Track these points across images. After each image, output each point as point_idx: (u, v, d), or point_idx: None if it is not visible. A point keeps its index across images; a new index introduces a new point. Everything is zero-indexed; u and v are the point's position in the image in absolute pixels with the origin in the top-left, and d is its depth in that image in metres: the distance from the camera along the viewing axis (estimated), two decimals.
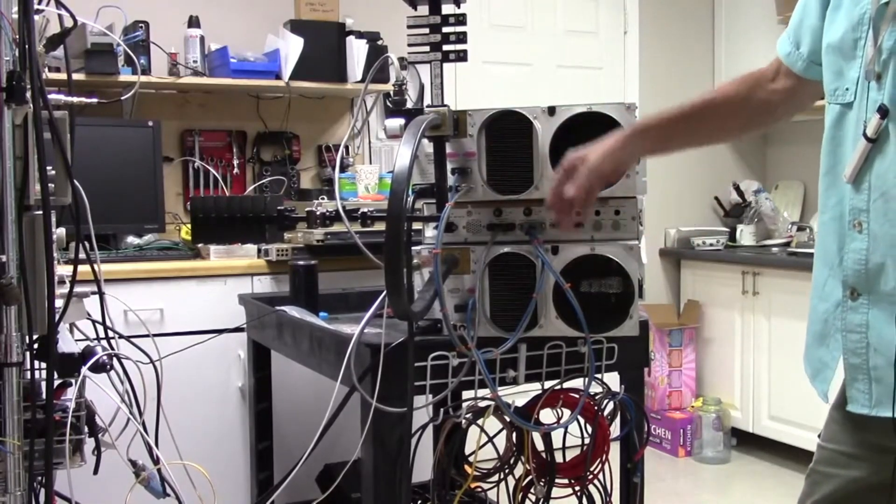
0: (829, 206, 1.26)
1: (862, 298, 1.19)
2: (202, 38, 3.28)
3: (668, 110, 1.46)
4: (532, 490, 1.83)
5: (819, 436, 1.38)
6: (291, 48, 3.27)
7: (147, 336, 1.88)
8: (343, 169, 3.47)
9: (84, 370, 1.54)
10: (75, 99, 1.67)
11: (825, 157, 1.28)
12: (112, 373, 1.65)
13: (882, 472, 1.25)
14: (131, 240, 3.10)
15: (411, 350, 1.57)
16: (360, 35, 3.40)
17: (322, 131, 3.70)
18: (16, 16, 1.39)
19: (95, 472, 1.59)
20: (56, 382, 1.54)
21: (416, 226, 1.82)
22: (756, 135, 1.44)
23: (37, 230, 1.42)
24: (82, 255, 1.62)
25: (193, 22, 3.27)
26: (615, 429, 1.84)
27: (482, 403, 1.73)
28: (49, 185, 1.42)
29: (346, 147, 3.67)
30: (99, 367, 1.57)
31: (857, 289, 1.20)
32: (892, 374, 1.16)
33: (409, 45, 1.71)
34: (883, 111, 1.13)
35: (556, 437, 1.82)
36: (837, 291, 1.23)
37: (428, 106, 1.67)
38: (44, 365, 1.52)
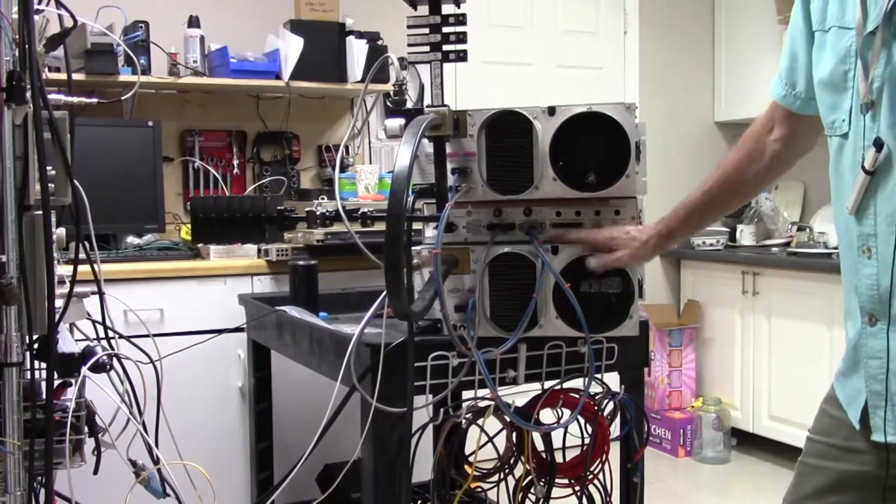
0: (840, 234, 1.27)
1: (880, 324, 1.19)
2: (202, 38, 3.28)
3: (686, 204, 1.56)
4: (532, 490, 1.83)
5: (809, 430, 1.38)
6: (291, 48, 3.27)
7: (147, 336, 1.88)
8: (343, 169, 3.47)
9: (84, 370, 1.54)
10: (75, 99, 1.67)
11: (832, 187, 1.29)
12: (112, 373, 1.65)
13: (877, 466, 1.25)
14: (131, 240, 3.10)
15: (411, 350, 1.57)
16: (360, 35, 3.40)
17: (322, 131, 3.70)
18: (16, 16, 1.39)
19: (95, 472, 1.59)
20: (56, 382, 1.54)
21: (416, 226, 1.82)
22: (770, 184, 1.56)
23: (37, 230, 1.42)
24: (82, 255, 1.62)
25: (193, 22, 3.27)
26: (615, 429, 1.84)
27: (482, 403, 1.73)
28: (49, 185, 1.42)
29: (346, 147, 3.67)
30: (99, 367, 1.57)
31: (874, 314, 1.19)
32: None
33: (409, 45, 1.70)
34: (878, 144, 1.13)
35: (556, 437, 1.82)
36: (858, 318, 1.23)
37: (428, 106, 1.67)
38: (44, 365, 1.52)
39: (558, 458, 1.86)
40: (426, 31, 1.69)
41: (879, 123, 1.14)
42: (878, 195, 1.15)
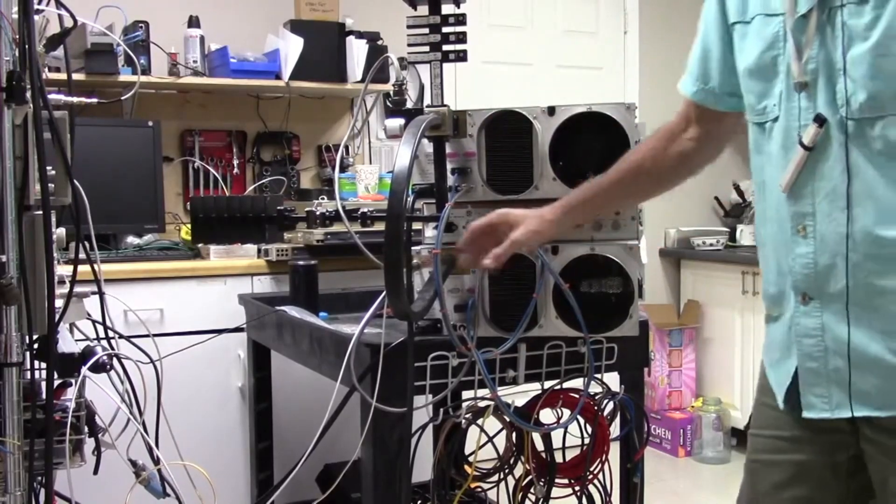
0: (767, 216, 1.27)
1: (814, 302, 1.19)
2: (202, 38, 3.27)
3: (596, 182, 1.51)
4: (532, 490, 1.83)
5: (747, 427, 1.38)
6: (291, 48, 3.27)
7: (147, 336, 1.88)
8: (343, 169, 3.47)
9: (84, 370, 1.54)
10: (75, 99, 1.67)
11: (755, 173, 1.30)
12: (112, 373, 1.65)
13: (830, 452, 1.25)
14: (131, 240, 3.10)
15: (411, 350, 1.57)
16: (360, 35, 3.40)
17: (322, 131, 3.70)
18: (16, 16, 1.39)
19: (95, 472, 1.59)
20: (56, 382, 1.54)
21: (416, 226, 1.82)
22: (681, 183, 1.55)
23: (37, 230, 1.42)
24: (82, 255, 1.62)
25: (193, 22, 3.27)
26: (615, 429, 1.84)
27: (482, 403, 1.73)
28: (49, 185, 1.42)
29: (346, 147, 3.67)
30: (99, 367, 1.57)
31: (808, 293, 1.20)
32: (851, 374, 1.16)
33: (409, 45, 1.70)
34: (820, 120, 1.14)
35: (556, 437, 1.82)
36: (791, 298, 1.23)
37: (428, 106, 1.67)
38: (44, 365, 1.52)
39: (558, 458, 1.86)
40: (426, 31, 1.69)
41: (816, 102, 1.16)
42: (817, 174, 1.17)
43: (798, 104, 1.18)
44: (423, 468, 1.90)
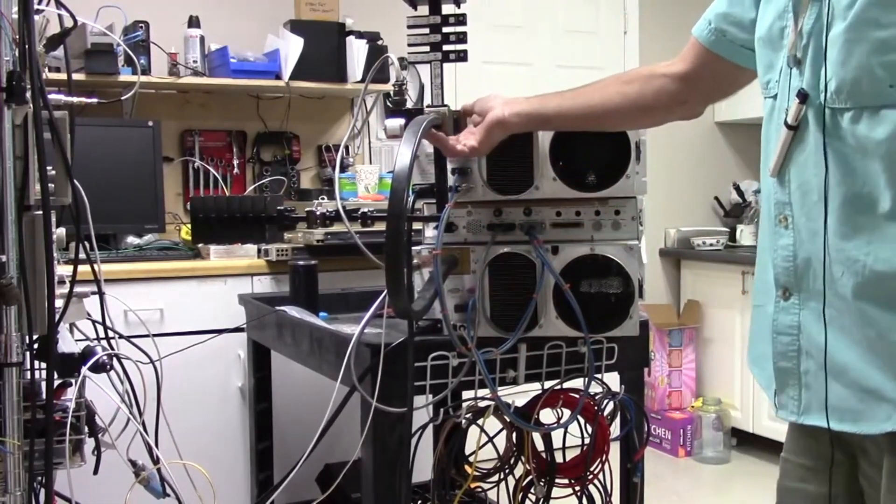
0: (763, 202, 1.21)
1: (793, 298, 1.13)
2: (202, 38, 3.28)
3: (569, 107, 1.47)
4: (532, 490, 1.83)
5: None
6: (291, 48, 3.27)
7: (147, 336, 1.88)
8: (343, 169, 3.47)
9: (84, 370, 1.54)
10: (75, 99, 1.67)
11: (761, 153, 1.23)
12: (112, 373, 1.65)
13: (839, 484, 1.18)
14: (131, 240, 3.10)
15: (411, 350, 1.57)
16: (360, 35, 3.40)
17: (322, 131, 3.70)
18: (16, 16, 1.39)
19: (95, 472, 1.59)
20: (56, 382, 1.54)
21: (416, 226, 1.82)
22: (674, 119, 1.50)
23: (37, 230, 1.42)
24: (82, 255, 1.62)
25: (193, 22, 3.27)
26: (615, 429, 1.84)
27: (482, 403, 1.73)
28: (49, 185, 1.42)
29: (346, 147, 3.67)
30: (99, 367, 1.57)
31: (788, 288, 1.13)
32: (823, 379, 1.10)
33: (409, 45, 1.70)
34: (802, 96, 1.08)
35: (556, 437, 1.82)
36: (773, 291, 1.16)
37: (428, 106, 1.67)
38: (44, 365, 1.52)
39: (558, 458, 1.86)
40: (426, 31, 1.69)
41: (804, 77, 1.09)
42: (794, 159, 1.10)
43: (790, 81, 1.12)
44: (423, 468, 1.90)
